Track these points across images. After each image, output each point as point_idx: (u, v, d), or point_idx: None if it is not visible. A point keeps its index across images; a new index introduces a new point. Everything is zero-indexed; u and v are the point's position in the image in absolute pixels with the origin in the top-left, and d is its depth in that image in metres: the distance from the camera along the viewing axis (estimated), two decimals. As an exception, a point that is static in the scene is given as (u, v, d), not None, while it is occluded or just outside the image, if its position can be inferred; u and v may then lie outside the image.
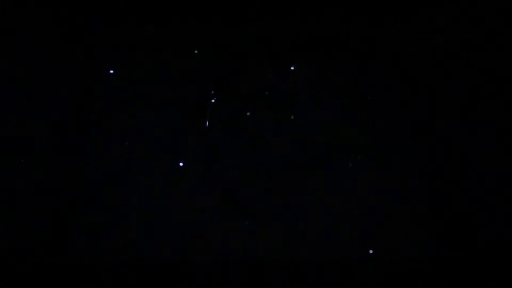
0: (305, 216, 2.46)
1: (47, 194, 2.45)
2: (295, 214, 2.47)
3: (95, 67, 2.80)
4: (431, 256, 2.43)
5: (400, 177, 2.58)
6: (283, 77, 2.81)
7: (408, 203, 2.51)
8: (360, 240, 2.42)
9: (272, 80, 2.81)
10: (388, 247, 2.41)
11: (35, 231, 2.37)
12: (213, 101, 2.70)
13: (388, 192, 2.53)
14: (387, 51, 2.96)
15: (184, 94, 2.71)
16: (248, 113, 2.68)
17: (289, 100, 2.75)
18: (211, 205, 2.47)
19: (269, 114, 2.70)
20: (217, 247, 2.39)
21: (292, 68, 2.83)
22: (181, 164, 2.56)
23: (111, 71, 2.62)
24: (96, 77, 2.77)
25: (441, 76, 2.74)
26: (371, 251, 2.37)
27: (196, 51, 2.83)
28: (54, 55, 2.65)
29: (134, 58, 2.83)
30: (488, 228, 2.38)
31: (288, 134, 2.65)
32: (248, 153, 2.59)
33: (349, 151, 2.63)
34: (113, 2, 2.73)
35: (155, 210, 2.46)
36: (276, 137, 2.63)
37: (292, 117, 2.69)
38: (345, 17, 2.94)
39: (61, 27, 2.71)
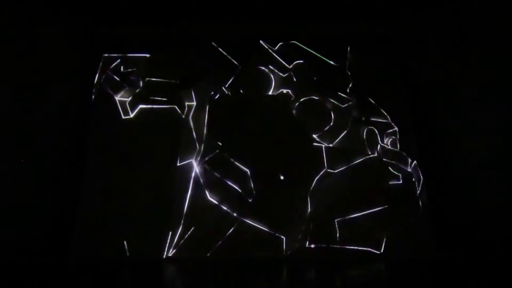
0: (306, 215, 2.45)
1: (47, 194, 2.46)
2: (296, 213, 2.47)
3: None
4: (430, 256, 2.45)
5: (400, 177, 2.57)
6: (285, 78, 2.81)
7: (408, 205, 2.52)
8: (360, 240, 2.43)
9: (274, 80, 2.81)
10: (389, 247, 2.43)
11: (35, 231, 2.37)
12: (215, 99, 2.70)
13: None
14: (388, 51, 2.96)
15: (184, 95, 2.70)
16: (249, 113, 2.67)
17: (290, 100, 2.75)
18: (211, 205, 2.47)
19: (270, 114, 2.70)
20: (217, 247, 2.40)
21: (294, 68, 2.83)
22: (182, 165, 2.56)
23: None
24: (95, 78, 2.77)
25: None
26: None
27: (195, 51, 2.82)
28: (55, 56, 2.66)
29: (133, 59, 2.81)
30: (488, 228, 2.39)
31: (290, 134, 2.65)
32: (249, 153, 2.59)
33: (349, 152, 2.62)
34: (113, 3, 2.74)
35: (155, 210, 2.46)
36: (277, 137, 2.63)
37: (293, 117, 2.70)
38: (345, 17, 2.94)
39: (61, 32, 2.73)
